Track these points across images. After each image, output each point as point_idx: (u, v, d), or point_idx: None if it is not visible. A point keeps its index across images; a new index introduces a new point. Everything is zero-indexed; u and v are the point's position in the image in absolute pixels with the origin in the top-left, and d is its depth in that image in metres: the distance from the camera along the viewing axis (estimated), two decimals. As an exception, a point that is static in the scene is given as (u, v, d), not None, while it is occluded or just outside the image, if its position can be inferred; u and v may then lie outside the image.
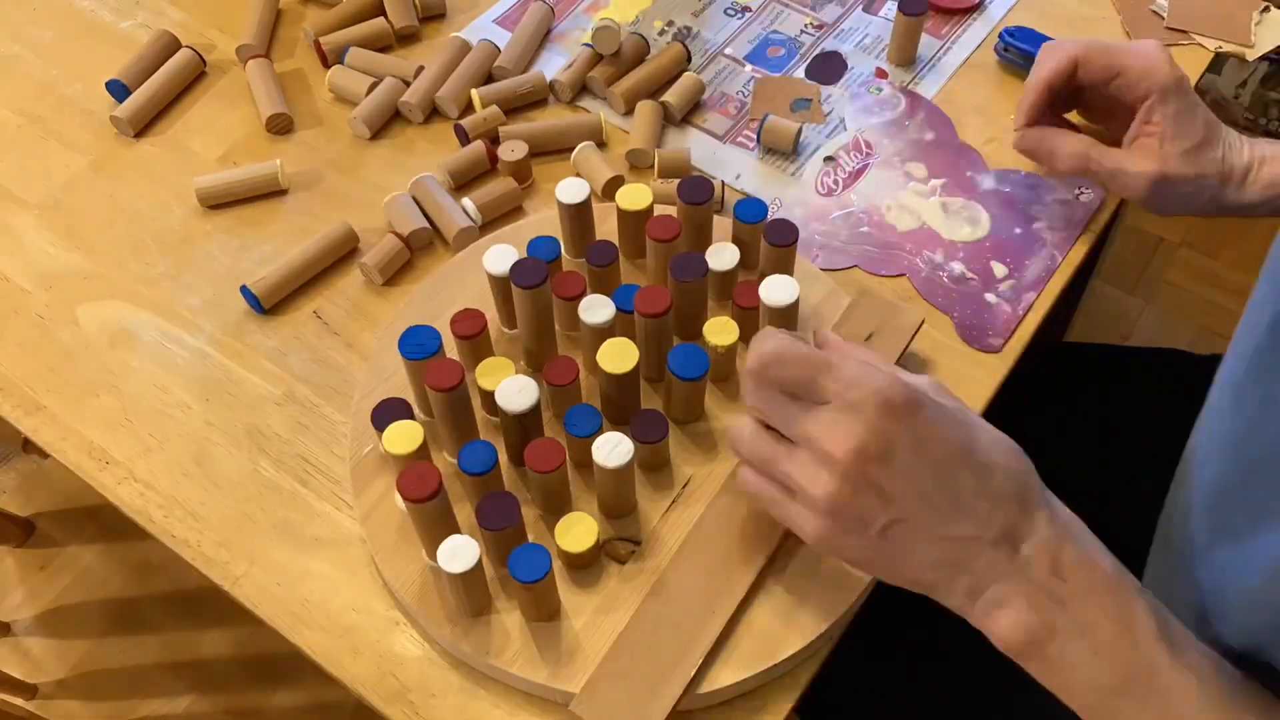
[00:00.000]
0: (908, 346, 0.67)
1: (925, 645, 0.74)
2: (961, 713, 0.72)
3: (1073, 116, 0.77)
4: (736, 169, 0.79)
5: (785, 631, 0.58)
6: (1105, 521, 0.75)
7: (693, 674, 0.56)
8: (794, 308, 0.62)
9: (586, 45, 0.84)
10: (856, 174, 0.79)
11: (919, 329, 0.68)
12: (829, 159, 0.79)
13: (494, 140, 0.80)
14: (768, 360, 0.50)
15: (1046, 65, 0.71)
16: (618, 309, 0.63)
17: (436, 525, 0.57)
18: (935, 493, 0.48)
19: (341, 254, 0.75)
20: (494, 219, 0.77)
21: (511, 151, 0.77)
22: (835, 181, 0.78)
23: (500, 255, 0.65)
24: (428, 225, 0.75)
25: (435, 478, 0.55)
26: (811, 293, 0.69)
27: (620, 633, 0.57)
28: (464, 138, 0.80)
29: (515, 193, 0.77)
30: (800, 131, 0.79)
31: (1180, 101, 0.67)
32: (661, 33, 0.88)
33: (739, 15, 0.89)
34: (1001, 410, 0.69)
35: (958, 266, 0.74)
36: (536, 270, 0.63)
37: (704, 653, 0.56)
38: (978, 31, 0.87)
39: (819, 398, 0.49)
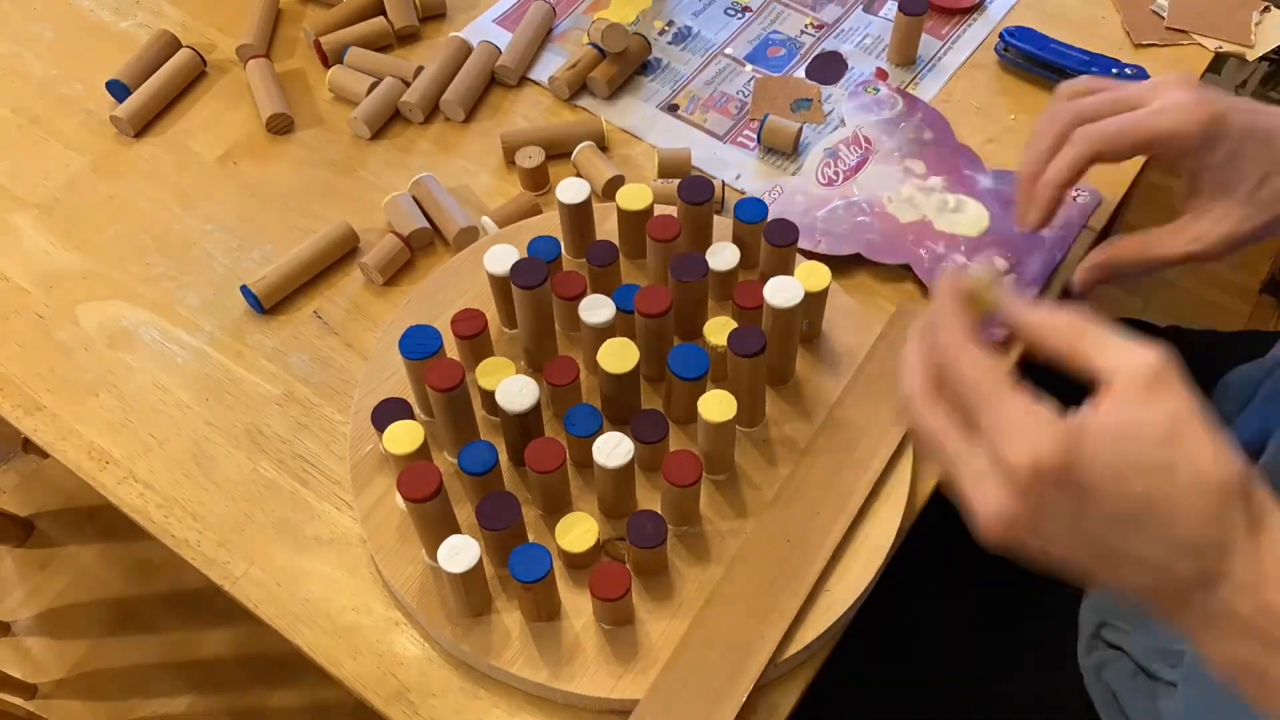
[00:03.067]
0: None
1: (925, 646, 0.74)
2: (960, 713, 0.72)
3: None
4: (736, 169, 0.79)
5: (786, 633, 0.58)
6: None
7: (744, 698, 0.55)
8: (798, 309, 0.62)
9: (593, 45, 0.84)
10: (856, 167, 0.79)
11: None
12: (829, 150, 0.79)
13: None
14: (942, 360, 0.43)
15: (1066, 160, 0.61)
16: (618, 309, 0.63)
17: (436, 525, 0.57)
18: (1099, 552, 0.42)
19: (341, 254, 0.75)
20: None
21: (529, 159, 0.77)
22: (836, 173, 0.78)
23: (500, 255, 0.65)
24: (428, 225, 0.75)
25: (435, 478, 0.55)
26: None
27: (667, 660, 0.57)
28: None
29: (531, 204, 0.77)
30: (800, 132, 0.79)
31: (1226, 143, 0.58)
32: (661, 33, 0.88)
33: (739, 15, 0.89)
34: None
35: (960, 258, 0.73)
36: (536, 270, 0.63)
37: (755, 677, 0.56)
38: (978, 31, 0.87)
39: (979, 432, 0.42)
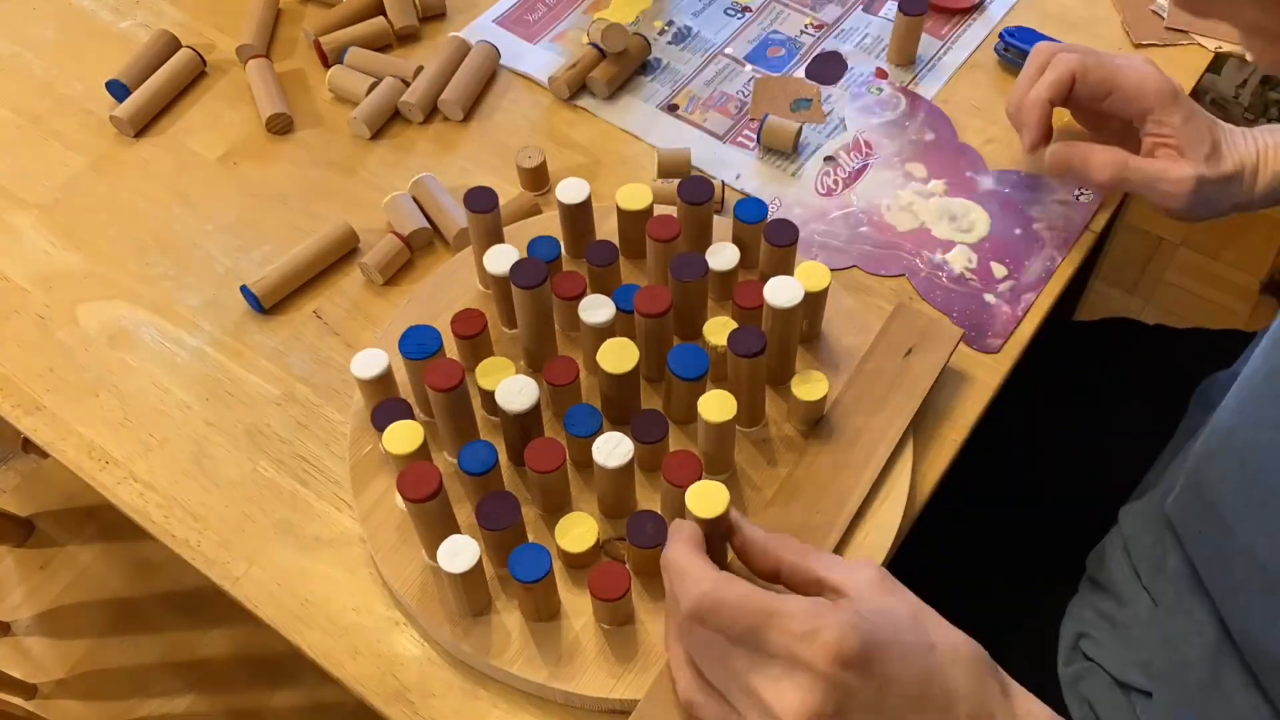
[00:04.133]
0: (948, 361, 0.67)
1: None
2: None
3: (1059, 118, 0.77)
4: (736, 169, 0.79)
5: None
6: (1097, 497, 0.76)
7: None
8: (798, 309, 0.62)
9: (593, 45, 0.84)
10: (856, 174, 0.79)
11: (958, 344, 0.68)
12: (829, 159, 0.79)
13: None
14: (705, 610, 0.46)
15: (1047, 80, 0.70)
16: (618, 309, 0.63)
17: (436, 525, 0.57)
18: None
19: (341, 254, 0.75)
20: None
21: (529, 159, 0.77)
22: (835, 181, 0.78)
23: (500, 255, 0.65)
24: (428, 225, 0.75)
25: (435, 478, 0.55)
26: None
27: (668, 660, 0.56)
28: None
29: (531, 204, 0.77)
30: (800, 131, 0.79)
31: (1185, 108, 0.67)
32: (661, 32, 0.88)
33: (739, 15, 0.89)
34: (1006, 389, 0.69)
35: (957, 267, 0.74)
36: (536, 270, 0.63)
37: None
38: (978, 31, 0.87)
39: (765, 649, 0.45)
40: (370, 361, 0.62)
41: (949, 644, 0.47)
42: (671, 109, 0.83)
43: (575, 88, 0.83)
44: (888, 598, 0.47)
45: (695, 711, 0.49)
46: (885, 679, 0.44)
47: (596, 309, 0.63)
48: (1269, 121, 1.73)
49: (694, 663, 0.49)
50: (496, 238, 0.68)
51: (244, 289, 0.72)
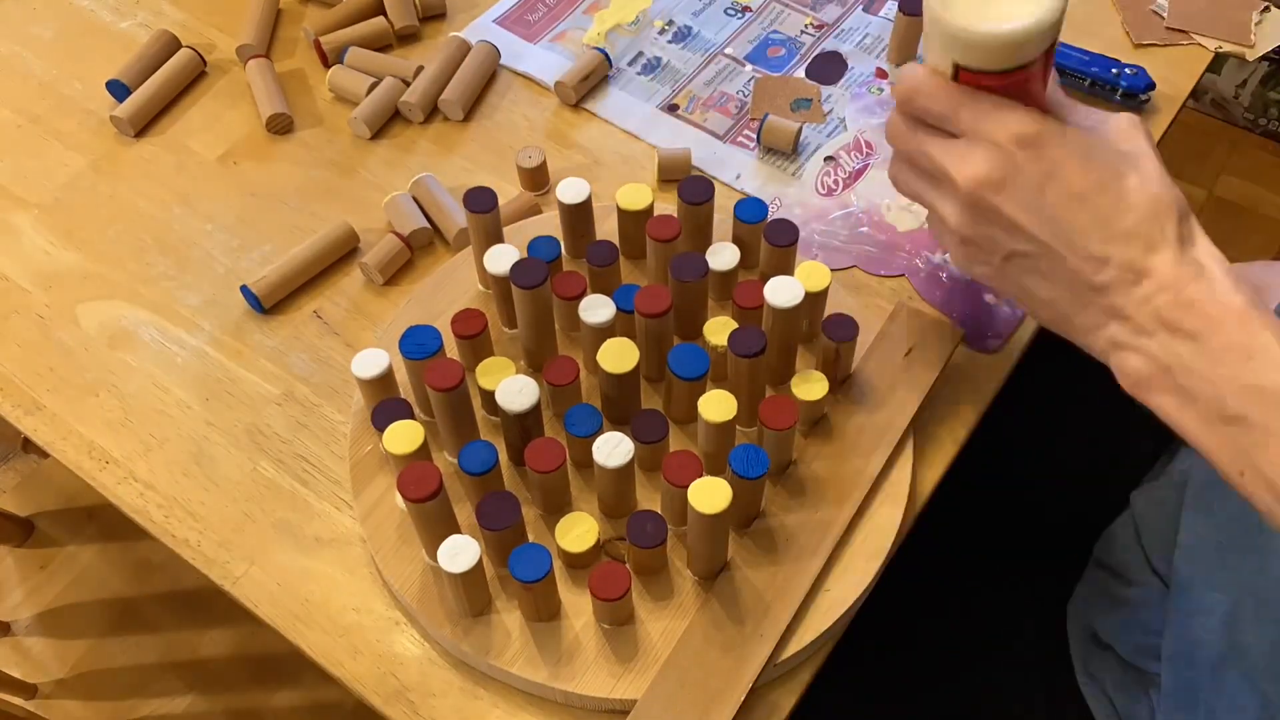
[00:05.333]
0: (949, 360, 0.67)
1: (924, 646, 0.75)
2: (958, 713, 0.73)
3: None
4: (736, 169, 0.79)
5: (786, 632, 0.58)
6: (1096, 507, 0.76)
7: (743, 698, 0.55)
8: (798, 309, 0.62)
9: (599, 50, 0.84)
10: (857, 174, 0.79)
11: (958, 344, 0.68)
12: (829, 159, 0.79)
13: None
14: (909, 91, 0.50)
15: None
16: (618, 309, 0.63)
17: (436, 525, 0.57)
18: (1053, 228, 0.48)
19: (341, 254, 0.75)
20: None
21: (529, 159, 0.77)
22: (835, 181, 0.78)
23: (500, 255, 0.65)
24: (428, 225, 0.75)
25: (435, 478, 0.55)
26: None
27: (666, 659, 0.57)
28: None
29: (531, 204, 0.77)
30: (800, 131, 0.79)
31: None
32: (662, 32, 0.88)
33: (739, 15, 0.89)
34: (1007, 394, 0.69)
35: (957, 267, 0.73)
36: (536, 270, 0.63)
37: (753, 676, 0.56)
38: (978, 31, 0.87)
39: (956, 127, 0.49)
40: (370, 361, 0.62)
41: (1144, 177, 0.48)
42: (671, 109, 0.83)
43: (582, 95, 0.83)
44: (1120, 124, 0.49)
45: (897, 186, 0.55)
46: (1055, 165, 0.47)
47: (596, 309, 0.63)
48: (1269, 121, 1.73)
49: (903, 153, 0.53)
50: (496, 238, 0.68)
51: (244, 289, 0.72)
